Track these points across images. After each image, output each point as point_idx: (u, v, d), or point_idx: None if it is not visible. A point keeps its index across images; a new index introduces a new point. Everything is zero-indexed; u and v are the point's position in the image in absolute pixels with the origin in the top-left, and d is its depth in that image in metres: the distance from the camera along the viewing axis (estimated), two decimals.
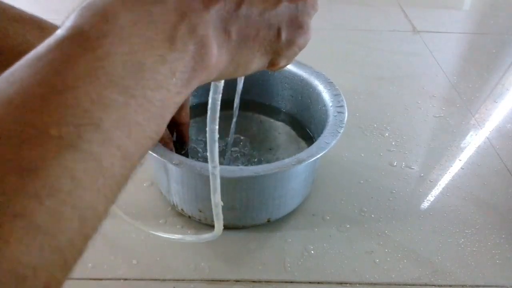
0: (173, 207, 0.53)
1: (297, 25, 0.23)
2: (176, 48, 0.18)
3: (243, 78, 0.49)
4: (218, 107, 0.28)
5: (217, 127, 0.29)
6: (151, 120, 0.17)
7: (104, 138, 0.15)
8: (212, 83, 0.27)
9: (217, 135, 0.30)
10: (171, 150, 0.47)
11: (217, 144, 0.31)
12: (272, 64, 0.24)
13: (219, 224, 0.39)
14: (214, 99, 0.28)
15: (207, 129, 0.30)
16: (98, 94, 0.15)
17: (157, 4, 0.17)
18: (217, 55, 0.20)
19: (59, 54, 0.16)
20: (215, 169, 0.33)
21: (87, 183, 0.15)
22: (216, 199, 0.36)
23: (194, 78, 0.19)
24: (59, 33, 0.16)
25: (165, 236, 0.47)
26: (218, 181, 0.34)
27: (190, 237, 0.46)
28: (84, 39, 0.16)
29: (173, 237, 0.46)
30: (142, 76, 0.16)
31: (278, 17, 0.22)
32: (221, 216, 0.38)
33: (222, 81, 0.27)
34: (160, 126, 0.18)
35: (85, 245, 0.16)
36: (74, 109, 0.15)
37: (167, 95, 0.18)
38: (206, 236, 0.41)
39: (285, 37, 0.23)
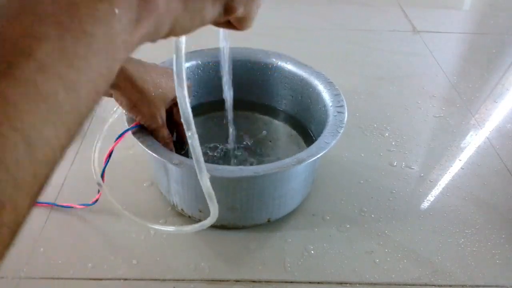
0: (173, 207, 0.53)
1: None
2: None
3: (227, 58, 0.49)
4: (184, 71, 0.29)
5: (186, 93, 0.30)
6: (97, 55, 0.18)
7: (38, 66, 0.16)
8: (174, 43, 0.27)
9: (188, 104, 0.31)
10: (171, 150, 0.47)
11: (190, 113, 0.31)
12: (228, 10, 0.24)
13: (214, 208, 0.39)
14: (179, 64, 0.28)
15: (177, 95, 0.30)
16: (27, 29, 0.16)
17: None
18: (166, 1, 0.20)
19: None
20: (193, 136, 0.33)
21: (25, 107, 0.15)
22: (204, 179, 0.35)
23: (143, 19, 0.19)
24: None
25: (162, 229, 0.47)
26: (201, 158, 0.34)
27: (187, 228, 0.46)
28: None
29: (169, 229, 0.46)
30: (76, 11, 0.17)
31: None
32: (214, 198, 0.38)
33: (183, 41, 0.27)
34: (110, 62, 0.18)
35: (37, 167, 0.16)
36: (1, 43, 0.15)
37: (112, 31, 0.18)
38: (204, 222, 0.41)
39: None
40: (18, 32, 0.16)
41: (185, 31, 0.23)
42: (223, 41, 0.47)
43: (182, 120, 0.32)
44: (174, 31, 0.22)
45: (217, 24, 0.25)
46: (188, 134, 0.33)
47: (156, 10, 0.20)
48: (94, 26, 0.17)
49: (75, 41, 0.17)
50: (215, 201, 0.39)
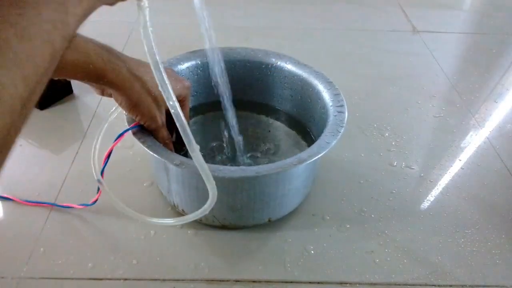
0: (174, 207, 0.53)
1: None
2: None
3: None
4: (152, 41, 0.29)
5: (158, 57, 0.31)
6: (47, 3, 0.18)
7: None
8: (138, 7, 0.28)
9: (163, 68, 0.32)
10: (170, 150, 0.47)
11: (167, 81, 0.32)
12: None
13: (212, 188, 0.39)
14: (146, 34, 0.29)
15: (151, 66, 0.30)
16: None
17: None
18: None
19: None
20: (174, 106, 0.34)
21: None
22: (194, 147, 0.36)
23: None
24: None
25: (159, 222, 0.47)
26: (187, 128, 0.35)
27: (186, 218, 0.45)
28: None
29: (168, 222, 0.46)
30: None
31: None
32: (212, 179, 0.39)
33: (146, 2, 0.28)
34: (63, 14, 0.19)
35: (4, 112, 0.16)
36: None
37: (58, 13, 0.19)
38: (204, 208, 0.42)
39: None
40: None
41: None
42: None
43: (164, 96, 0.33)
44: None
45: None
46: (169, 103, 0.33)
47: None
48: None
49: None
50: (214, 184, 0.39)
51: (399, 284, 0.46)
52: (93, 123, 0.67)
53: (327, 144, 0.46)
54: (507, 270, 0.48)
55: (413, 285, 0.47)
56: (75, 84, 0.73)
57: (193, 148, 0.37)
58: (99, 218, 0.52)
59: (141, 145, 0.45)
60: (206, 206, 0.42)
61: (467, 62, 0.92)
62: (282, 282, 0.46)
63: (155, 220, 0.47)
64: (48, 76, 0.19)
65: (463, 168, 0.63)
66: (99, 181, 0.46)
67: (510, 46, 1.00)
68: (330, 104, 0.53)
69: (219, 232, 0.51)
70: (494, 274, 0.48)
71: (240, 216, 0.50)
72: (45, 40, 0.18)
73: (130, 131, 0.46)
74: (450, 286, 0.47)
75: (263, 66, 0.62)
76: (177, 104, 0.34)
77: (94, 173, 0.45)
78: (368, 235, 0.52)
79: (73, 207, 0.52)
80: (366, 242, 0.51)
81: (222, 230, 0.51)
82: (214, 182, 0.40)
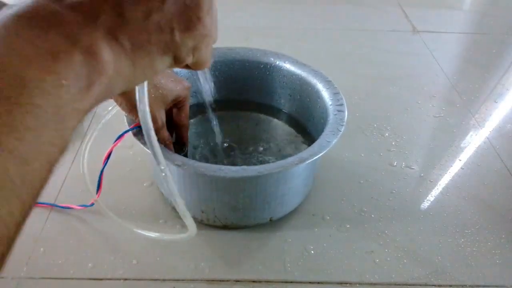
0: (174, 207, 0.53)
1: (188, 22, 0.23)
2: (59, 59, 0.18)
3: (207, 78, 0.49)
4: (149, 118, 0.29)
5: (152, 131, 0.30)
6: (47, 125, 0.18)
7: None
8: (136, 90, 0.28)
9: (155, 139, 0.31)
10: (171, 151, 0.47)
11: (158, 147, 0.32)
12: (178, 61, 0.24)
13: (190, 222, 0.39)
14: (143, 111, 0.29)
15: (144, 133, 0.30)
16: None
17: (36, 22, 0.18)
18: (114, 62, 0.20)
19: None
20: (165, 170, 0.33)
21: None
22: (174, 194, 0.35)
23: (92, 84, 0.19)
24: None
25: (143, 233, 0.47)
26: (171, 181, 0.34)
27: (167, 236, 0.46)
28: None
29: (151, 235, 0.47)
30: (23, 84, 0.17)
31: (167, 17, 0.22)
32: (188, 214, 0.38)
33: (145, 88, 0.28)
34: (62, 131, 0.18)
35: None
36: None
37: (60, 101, 0.18)
38: (182, 236, 0.42)
39: (178, 36, 0.23)
40: None
41: (139, 83, 0.24)
42: (205, 84, 0.48)
43: (153, 158, 0.32)
44: (128, 86, 0.22)
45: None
46: (159, 166, 0.33)
47: (105, 73, 0.20)
48: (42, 98, 0.17)
49: (23, 114, 0.17)
50: (190, 218, 0.39)
51: (399, 284, 0.46)
52: (92, 123, 0.67)
53: (328, 143, 0.46)
54: (507, 270, 0.48)
55: (413, 285, 0.47)
56: None
57: (162, 163, 0.35)
58: (99, 218, 0.52)
59: (141, 145, 0.45)
60: (183, 236, 0.42)
61: (467, 62, 0.92)
62: (282, 282, 0.46)
63: (140, 230, 0.47)
64: (42, 190, 0.19)
65: (463, 168, 0.62)
66: (90, 191, 0.46)
67: (510, 46, 1.00)
68: (330, 103, 0.53)
69: (219, 232, 0.51)
70: (494, 274, 0.48)
71: (242, 216, 0.50)
72: (44, 161, 0.18)
73: (130, 132, 0.46)
74: (450, 286, 0.47)
75: (262, 66, 0.62)
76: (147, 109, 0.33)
77: (85, 183, 0.45)
78: (368, 235, 0.52)
79: (72, 208, 0.52)
80: (366, 242, 0.51)
81: (222, 230, 0.51)
82: (193, 221, 0.39)
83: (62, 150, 0.19)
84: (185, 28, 0.23)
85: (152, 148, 0.31)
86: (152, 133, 0.31)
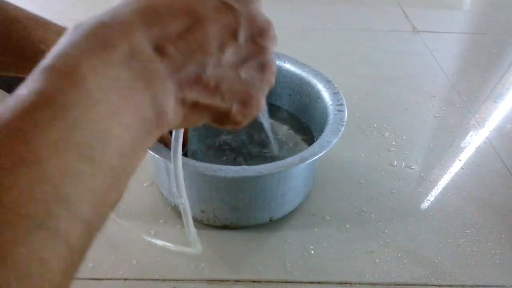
0: (174, 207, 0.53)
1: (248, 103, 0.23)
2: (140, 115, 0.18)
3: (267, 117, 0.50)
4: (180, 156, 0.29)
5: (181, 168, 0.30)
6: (113, 189, 0.17)
7: (71, 213, 0.15)
8: (173, 135, 0.28)
9: (181, 174, 0.31)
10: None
11: (182, 181, 0.31)
12: (221, 124, 0.24)
13: (195, 242, 0.39)
14: (175, 149, 0.28)
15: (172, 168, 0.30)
16: (67, 166, 0.15)
17: (123, 68, 0.17)
18: (172, 119, 0.20)
19: (28, 123, 0.15)
20: (184, 204, 0.33)
21: (55, 264, 0.15)
22: (189, 224, 0.35)
23: (148, 139, 0.19)
24: (24, 96, 0.16)
25: (147, 239, 0.46)
26: (188, 209, 0.34)
27: (172, 247, 0.45)
28: (52, 106, 0.15)
29: (156, 242, 0.46)
30: (107, 144, 0.16)
31: (232, 94, 0.22)
32: (198, 240, 0.38)
33: (181, 133, 0.28)
34: (120, 193, 0.18)
35: None
36: (43, 184, 0.14)
37: (127, 161, 0.18)
38: (187, 249, 0.41)
39: (234, 112, 0.22)
40: (57, 172, 0.15)
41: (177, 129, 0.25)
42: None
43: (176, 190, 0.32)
44: (167, 131, 0.22)
45: None
46: (179, 200, 0.33)
47: (161, 129, 0.20)
48: (117, 159, 0.17)
49: (101, 179, 0.16)
50: (197, 237, 0.38)
51: (399, 284, 0.46)
52: None
53: (328, 143, 0.46)
54: (507, 270, 0.48)
55: (413, 285, 0.47)
56: None
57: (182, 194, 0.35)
58: None
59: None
60: (188, 250, 0.42)
61: (467, 62, 0.92)
62: (282, 282, 0.46)
63: (149, 238, 0.47)
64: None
65: (463, 168, 0.63)
66: None
67: (510, 46, 1.00)
68: (330, 103, 0.53)
69: (219, 232, 0.51)
70: (494, 274, 0.48)
71: (242, 216, 0.50)
72: (102, 219, 0.18)
73: None
74: (450, 286, 0.47)
75: None
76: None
77: None
78: (368, 235, 0.52)
79: None
80: (366, 242, 0.51)
81: (222, 230, 0.51)
82: (199, 241, 0.39)
83: (112, 211, 0.19)
84: (242, 108, 0.23)
85: (177, 183, 0.31)
86: (180, 169, 0.30)
